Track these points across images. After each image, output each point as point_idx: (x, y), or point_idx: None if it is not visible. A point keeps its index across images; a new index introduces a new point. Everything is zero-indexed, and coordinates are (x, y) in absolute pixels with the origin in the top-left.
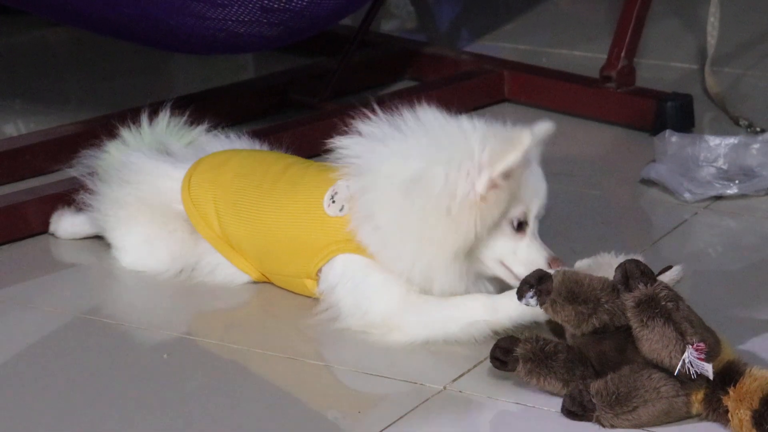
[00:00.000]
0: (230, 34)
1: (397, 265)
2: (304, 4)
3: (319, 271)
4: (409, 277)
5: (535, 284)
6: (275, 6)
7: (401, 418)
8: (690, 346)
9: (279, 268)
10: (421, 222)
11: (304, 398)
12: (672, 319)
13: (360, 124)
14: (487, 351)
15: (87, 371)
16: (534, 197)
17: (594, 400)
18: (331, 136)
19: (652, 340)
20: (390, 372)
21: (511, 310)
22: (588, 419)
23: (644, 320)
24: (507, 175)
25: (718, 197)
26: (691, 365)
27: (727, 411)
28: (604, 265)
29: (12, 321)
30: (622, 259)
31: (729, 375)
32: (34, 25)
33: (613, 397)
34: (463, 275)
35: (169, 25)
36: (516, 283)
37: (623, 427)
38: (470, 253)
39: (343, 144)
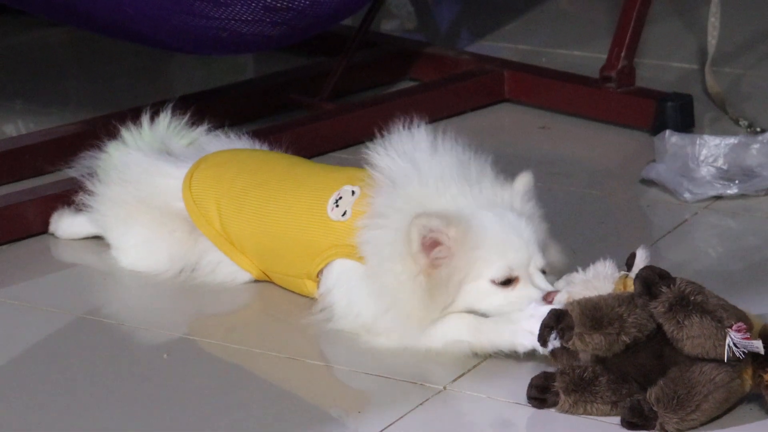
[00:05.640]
0: (233, 33)
1: (380, 298)
2: (307, 3)
3: (320, 273)
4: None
5: (554, 325)
6: (278, 5)
7: (401, 418)
8: (730, 330)
9: (281, 267)
10: (399, 290)
11: (305, 398)
12: (707, 311)
13: (400, 143)
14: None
15: (87, 371)
16: (509, 253)
17: (655, 408)
18: (332, 136)
19: (694, 337)
20: (390, 372)
21: (494, 336)
22: (650, 428)
23: (680, 321)
24: (425, 253)
25: (718, 197)
26: (736, 346)
27: (767, 387)
28: (580, 285)
29: (12, 321)
30: (592, 273)
31: None
32: (34, 25)
33: (674, 401)
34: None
35: (171, 24)
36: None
37: (689, 429)
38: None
39: (379, 161)
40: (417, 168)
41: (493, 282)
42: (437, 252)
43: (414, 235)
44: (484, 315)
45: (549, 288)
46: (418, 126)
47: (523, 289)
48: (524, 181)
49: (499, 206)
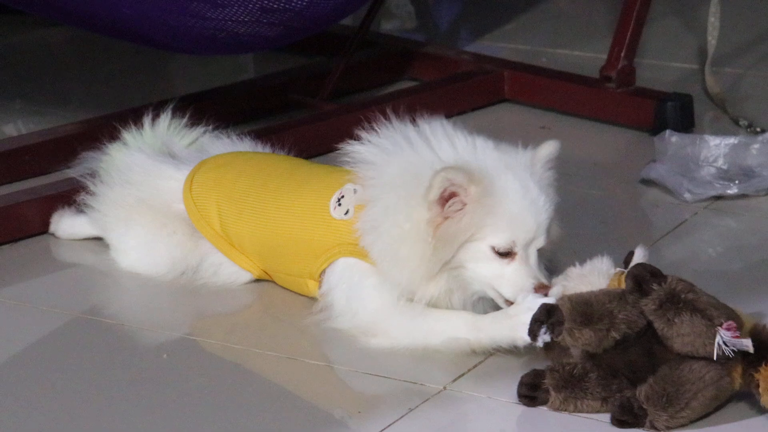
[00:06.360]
0: (230, 34)
1: (390, 276)
2: (304, 4)
3: (322, 273)
4: (401, 287)
5: (545, 319)
6: (275, 6)
7: (401, 418)
8: (720, 328)
9: (282, 266)
10: (403, 241)
11: (305, 398)
12: (697, 309)
13: (376, 131)
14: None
15: (87, 371)
16: (519, 229)
17: (645, 406)
18: (332, 136)
19: (684, 335)
20: (390, 372)
21: (493, 332)
22: (640, 426)
23: (670, 318)
24: (440, 205)
25: (718, 197)
26: (726, 345)
27: (758, 386)
28: (576, 279)
29: (12, 321)
30: (588, 268)
31: (760, 350)
32: (34, 25)
33: (664, 399)
34: (446, 291)
35: (169, 25)
36: (505, 306)
37: (679, 427)
38: (454, 274)
39: (358, 150)
40: (401, 143)
41: (493, 249)
42: (452, 204)
43: (436, 184)
44: (470, 278)
45: (539, 275)
46: (394, 117)
47: (517, 269)
48: (550, 148)
49: (521, 169)
